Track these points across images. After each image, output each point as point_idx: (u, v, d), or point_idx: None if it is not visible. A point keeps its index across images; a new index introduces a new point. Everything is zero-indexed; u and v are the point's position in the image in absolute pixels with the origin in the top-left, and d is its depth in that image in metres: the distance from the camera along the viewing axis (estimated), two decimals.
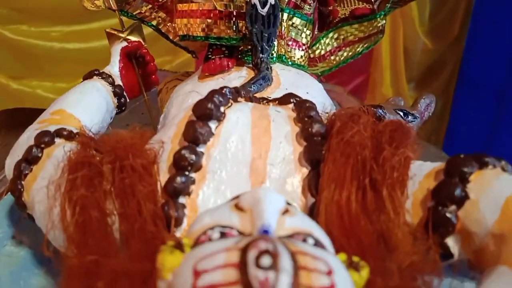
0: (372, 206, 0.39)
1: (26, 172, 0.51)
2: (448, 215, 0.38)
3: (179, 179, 0.44)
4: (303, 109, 0.49)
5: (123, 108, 0.75)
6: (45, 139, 0.52)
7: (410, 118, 0.64)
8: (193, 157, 0.45)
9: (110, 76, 0.72)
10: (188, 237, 0.34)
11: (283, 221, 0.33)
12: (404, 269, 0.34)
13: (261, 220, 0.31)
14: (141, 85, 0.78)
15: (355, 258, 0.33)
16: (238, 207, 0.35)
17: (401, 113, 0.63)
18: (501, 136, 1.12)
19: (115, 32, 0.77)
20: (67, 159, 0.47)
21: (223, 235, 0.31)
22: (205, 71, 0.68)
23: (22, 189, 0.51)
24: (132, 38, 0.77)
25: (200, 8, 0.68)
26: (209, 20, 0.68)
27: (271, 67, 0.66)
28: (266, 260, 0.26)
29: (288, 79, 0.65)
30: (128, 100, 0.76)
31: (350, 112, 0.48)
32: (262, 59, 0.65)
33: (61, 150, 0.50)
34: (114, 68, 0.74)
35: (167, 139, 0.48)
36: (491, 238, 0.36)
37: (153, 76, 0.78)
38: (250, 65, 0.67)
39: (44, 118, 0.61)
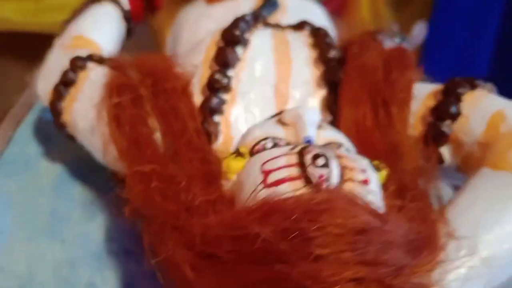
0: (383, 122, 0.47)
1: (65, 94, 0.56)
2: (444, 128, 0.47)
3: (214, 100, 0.50)
4: (319, 36, 0.55)
5: (130, 33, 0.78)
6: (79, 63, 0.56)
7: (404, 43, 0.70)
8: (225, 80, 0.51)
9: (118, 1, 0.74)
10: (244, 147, 0.41)
11: (319, 133, 0.41)
12: (412, 170, 0.43)
13: (304, 132, 0.39)
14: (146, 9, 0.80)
15: (375, 162, 0.41)
16: (281, 122, 0.42)
17: (397, 40, 0.69)
18: (474, 59, 1.21)
19: None
20: (107, 81, 0.52)
21: (275, 145, 0.39)
22: None
23: (61, 110, 0.56)
24: None
25: None
26: None
27: None
28: (320, 161, 0.33)
29: (292, 3, 0.70)
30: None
31: (361, 40, 0.55)
32: None
33: (97, 73, 0.55)
34: None
35: (198, 63, 0.54)
36: (478, 146, 0.45)
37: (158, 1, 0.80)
38: None
39: (66, 43, 0.65)
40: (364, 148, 0.45)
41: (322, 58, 0.53)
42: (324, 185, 0.32)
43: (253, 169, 0.36)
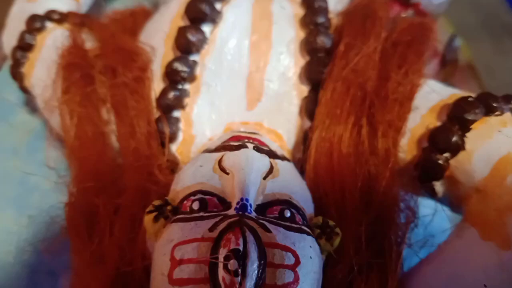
0: (364, 147, 0.38)
1: (23, 60, 0.50)
2: (440, 161, 0.38)
3: (172, 94, 0.43)
4: (312, 11, 0.44)
5: None
6: (36, 25, 0.49)
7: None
8: (186, 69, 0.43)
9: None
10: (172, 198, 0.35)
11: (264, 186, 0.33)
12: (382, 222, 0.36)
13: (241, 192, 0.32)
14: None
15: (331, 222, 0.34)
16: (221, 168, 0.34)
17: None
18: None
19: None
20: (60, 57, 0.46)
21: (203, 203, 0.32)
22: None
23: (22, 76, 0.51)
24: None
25: None
26: None
27: None
28: (234, 264, 0.27)
29: None
30: None
31: (361, 17, 0.43)
32: None
33: (55, 38, 0.48)
34: None
35: (160, 41, 0.45)
36: (475, 192, 0.36)
37: None
38: None
39: None
40: (331, 181, 0.38)
41: (308, 46, 0.43)
42: None
43: (164, 250, 0.30)
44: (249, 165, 0.33)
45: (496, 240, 0.33)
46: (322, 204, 0.37)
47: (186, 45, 0.43)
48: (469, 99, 0.38)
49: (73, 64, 0.45)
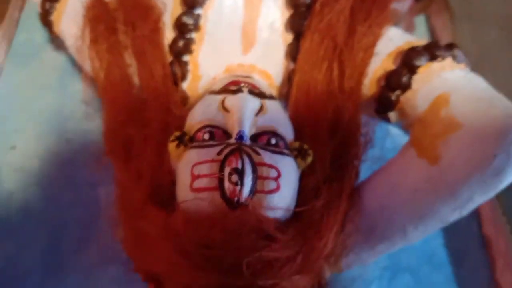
0: (334, 86, 0.49)
1: (52, 10, 0.59)
2: (392, 97, 0.48)
3: (181, 42, 0.53)
4: None
5: None
6: None
7: None
8: (192, 21, 0.52)
9: None
10: (188, 130, 0.46)
11: (255, 120, 0.44)
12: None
13: (240, 126, 0.43)
14: None
15: (305, 146, 0.45)
16: (224, 107, 0.45)
17: None
18: None
19: None
20: (85, 9, 0.55)
21: (212, 134, 0.43)
22: None
23: (51, 23, 0.60)
24: None
25: None
26: None
27: None
28: (235, 177, 0.39)
29: None
30: None
31: None
32: None
33: None
34: None
35: None
36: (417, 121, 0.47)
37: None
38: None
39: None
40: (308, 113, 0.49)
41: (293, 1, 0.52)
42: (235, 199, 0.39)
43: (186, 169, 0.42)
44: (244, 105, 0.44)
45: (428, 158, 0.44)
46: (300, 131, 0.48)
47: (191, 1, 0.52)
48: (417, 48, 0.48)
49: (98, 17, 0.54)
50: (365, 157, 0.48)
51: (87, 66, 0.56)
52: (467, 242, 0.61)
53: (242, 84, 0.48)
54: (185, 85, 0.54)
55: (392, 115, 0.50)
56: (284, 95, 0.54)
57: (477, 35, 0.90)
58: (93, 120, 0.64)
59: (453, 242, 0.61)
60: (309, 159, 0.45)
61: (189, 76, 0.54)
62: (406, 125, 0.50)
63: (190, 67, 0.54)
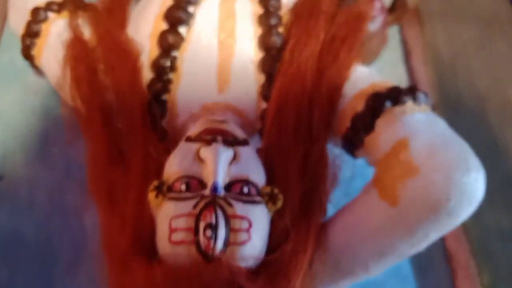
0: (304, 127, 0.52)
1: (32, 45, 0.60)
2: (357, 138, 0.52)
3: (159, 83, 0.55)
4: (266, 13, 0.54)
5: None
6: (40, 17, 0.59)
7: None
8: (169, 64, 0.54)
9: None
10: (166, 179, 0.49)
11: (229, 170, 0.48)
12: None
13: (213, 178, 0.46)
14: None
15: (276, 190, 0.49)
16: (199, 158, 0.48)
17: None
18: None
19: None
20: (65, 48, 0.56)
21: (188, 185, 0.47)
22: None
23: (32, 57, 0.62)
24: None
25: None
26: None
27: None
28: (209, 232, 0.43)
29: None
30: None
31: (307, 16, 0.54)
32: None
33: (58, 27, 0.59)
34: None
35: (146, 38, 0.56)
36: (379, 162, 0.51)
37: None
38: None
39: None
40: (280, 156, 0.52)
41: (263, 44, 0.54)
42: (210, 253, 0.43)
43: (164, 221, 0.45)
44: (218, 157, 0.47)
45: (388, 200, 0.48)
46: (271, 172, 0.51)
47: (167, 46, 0.54)
48: (381, 93, 0.51)
49: (78, 57, 0.56)
50: (332, 196, 0.52)
51: (69, 102, 0.58)
52: (431, 255, 0.66)
53: (217, 134, 0.51)
54: (164, 122, 0.57)
55: (357, 152, 0.54)
56: (258, 131, 0.57)
57: (452, 34, 0.92)
58: (77, 145, 0.67)
59: (418, 256, 0.66)
60: (279, 204, 0.49)
61: (168, 114, 0.57)
62: (370, 162, 0.53)
63: (168, 105, 0.56)
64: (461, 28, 0.94)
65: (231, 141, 0.50)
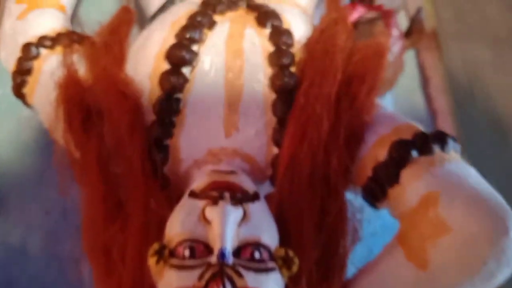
0: (320, 178, 0.47)
1: (24, 83, 0.56)
2: (379, 190, 0.47)
3: (160, 127, 0.50)
4: (278, 51, 0.50)
5: None
6: (32, 53, 0.55)
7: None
8: (172, 105, 0.50)
9: None
10: (168, 241, 0.44)
11: (238, 232, 0.43)
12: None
13: (220, 243, 0.41)
14: None
15: (291, 254, 0.44)
16: (205, 218, 0.43)
17: None
18: None
19: None
20: (58, 88, 0.52)
21: (192, 250, 0.42)
22: None
23: (24, 95, 0.57)
24: None
25: None
26: None
27: None
28: None
29: None
30: None
31: (321, 54, 0.49)
32: None
33: (50, 64, 0.54)
34: None
35: (145, 78, 0.51)
36: (405, 217, 0.46)
37: None
38: None
39: None
40: (294, 211, 0.47)
41: (275, 85, 0.49)
42: None
43: None
44: (226, 219, 0.42)
45: (416, 262, 0.44)
46: (285, 229, 0.47)
47: (170, 88, 0.49)
48: (406, 141, 0.46)
49: (71, 98, 0.51)
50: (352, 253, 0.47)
51: (63, 145, 0.54)
52: None
53: (224, 190, 0.46)
54: (165, 168, 0.52)
55: (380, 204, 0.49)
56: (269, 177, 0.52)
57: (468, 56, 0.88)
58: (72, 189, 0.63)
59: None
60: (295, 268, 0.44)
61: (170, 160, 0.52)
62: (394, 214, 0.49)
63: (170, 150, 0.52)
64: (477, 49, 0.90)
65: (240, 198, 0.45)
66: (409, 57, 0.80)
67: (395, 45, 0.68)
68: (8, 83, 0.68)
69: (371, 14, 0.61)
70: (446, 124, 0.73)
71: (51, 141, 0.64)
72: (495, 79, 0.88)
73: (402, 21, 0.70)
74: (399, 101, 0.74)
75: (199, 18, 0.51)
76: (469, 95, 0.84)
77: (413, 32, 0.72)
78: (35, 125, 0.67)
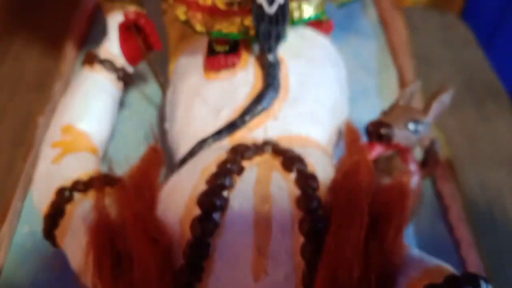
0: None
1: (56, 226, 0.57)
2: None
3: (189, 271, 0.50)
4: (305, 196, 0.52)
5: (129, 81, 0.75)
6: (65, 197, 0.57)
7: (420, 128, 0.64)
8: (202, 250, 0.50)
9: (111, 62, 0.70)
10: None
11: None
12: None
13: None
14: (145, 52, 0.74)
15: None
16: None
17: (411, 127, 0.63)
18: None
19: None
20: (89, 233, 0.53)
21: None
22: (209, 67, 0.66)
23: (55, 237, 0.58)
24: (129, 7, 0.71)
25: (200, 1, 0.62)
26: (210, 16, 0.62)
27: (279, 64, 0.63)
28: None
29: (297, 76, 0.64)
30: (132, 73, 0.75)
31: (346, 197, 0.51)
32: (270, 63, 0.62)
33: (82, 209, 0.56)
34: (112, 45, 0.71)
35: (176, 222, 0.52)
36: None
37: (155, 44, 0.73)
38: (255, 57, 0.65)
39: (55, 139, 0.64)
40: None
41: (305, 230, 0.50)
42: None
43: None
44: None
45: None
46: None
47: (201, 233, 0.50)
48: (438, 286, 0.45)
49: (102, 246, 0.52)
50: None
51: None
52: None
53: None
54: None
55: None
56: None
57: (484, 181, 0.89)
58: None
59: None
60: None
61: None
62: None
63: None
64: (492, 172, 0.91)
65: None
66: (426, 187, 0.81)
67: (413, 179, 0.70)
68: (35, 221, 0.70)
69: (389, 152, 0.64)
70: (470, 254, 0.73)
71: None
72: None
73: (417, 151, 0.72)
74: (420, 232, 0.75)
75: (229, 166, 0.54)
76: (490, 220, 0.85)
77: (429, 163, 0.74)
78: (60, 264, 0.67)
